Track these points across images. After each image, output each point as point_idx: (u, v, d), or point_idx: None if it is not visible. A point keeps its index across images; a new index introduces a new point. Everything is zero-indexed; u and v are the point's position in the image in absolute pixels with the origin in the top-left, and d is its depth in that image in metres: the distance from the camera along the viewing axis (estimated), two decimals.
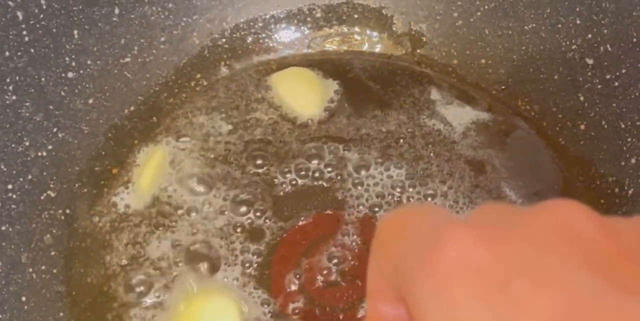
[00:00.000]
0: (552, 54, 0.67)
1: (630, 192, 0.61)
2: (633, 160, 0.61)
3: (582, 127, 0.66)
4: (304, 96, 0.71)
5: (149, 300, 0.61)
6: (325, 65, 0.73)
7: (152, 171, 0.66)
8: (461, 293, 0.25)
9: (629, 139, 0.61)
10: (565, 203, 0.28)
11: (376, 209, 0.64)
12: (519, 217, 0.28)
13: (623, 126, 0.62)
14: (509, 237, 0.27)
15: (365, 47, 0.75)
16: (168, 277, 0.62)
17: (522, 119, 0.70)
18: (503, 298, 0.25)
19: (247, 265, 0.62)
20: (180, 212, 0.65)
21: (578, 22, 0.64)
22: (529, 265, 0.25)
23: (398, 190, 0.65)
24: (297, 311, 0.60)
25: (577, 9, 0.64)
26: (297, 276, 0.62)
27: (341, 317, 0.60)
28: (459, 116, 0.69)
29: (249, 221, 0.64)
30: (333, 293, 0.61)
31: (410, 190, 0.65)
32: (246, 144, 0.68)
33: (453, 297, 0.26)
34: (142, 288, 0.62)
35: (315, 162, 0.67)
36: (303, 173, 0.66)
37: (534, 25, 0.68)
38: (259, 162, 0.67)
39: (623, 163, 0.62)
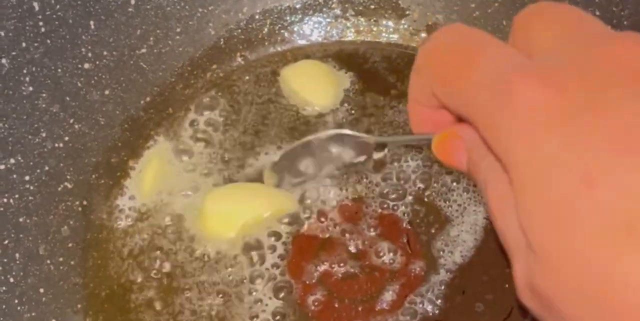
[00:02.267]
0: None
1: None
2: None
3: None
4: (317, 88, 0.70)
5: (168, 291, 0.61)
6: (342, 56, 0.73)
7: (152, 176, 0.66)
8: (534, 127, 0.31)
9: None
10: (631, 37, 0.33)
11: (395, 201, 0.64)
12: (586, 52, 0.33)
13: None
14: (575, 78, 0.32)
15: (382, 38, 0.74)
16: (186, 267, 0.62)
17: None
18: (570, 130, 0.31)
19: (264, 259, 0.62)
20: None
21: (597, 13, 0.64)
22: (595, 102, 0.31)
23: (417, 181, 0.65)
24: (316, 303, 0.60)
25: (597, 0, 0.63)
26: (316, 268, 0.62)
27: (360, 309, 0.60)
28: None
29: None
30: (351, 286, 0.61)
31: (428, 181, 0.65)
32: (260, 134, 0.68)
33: (530, 127, 0.32)
34: (160, 278, 0.62)
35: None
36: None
37: None
38: (272, 151, 0.67)
39: None
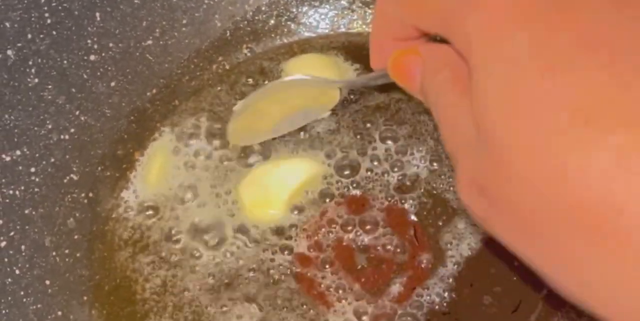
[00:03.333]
0: None
1: None
2: None
3: None
4: None
5: (175, 283, 0.61)
6: (349, 48, 0.72)
7: (158, 167, 0.66)
8: (501, 22, 0.33)
9: None
10: None
11: (401, 193, 0.64)
12: None
13: None
14: None
15: None
16: (192, 261, 0.62)
17: None
18: (537, 25, 0.32)
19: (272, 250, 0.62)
20: (214, 192, 0.64)
21: None
22: (564, 2, 0.32)
23: (424, 173, 0.65)
24: (321, 294, 0.60)
25: None
26: (322, 260, 0.61)
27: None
28: None
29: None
30: (358, 278, 0.61)
31: (435, 173, 0.65)
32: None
33: (496, 24, 0.33)
34: (167, 270, 0.62)
35: (336, 145, 0.66)
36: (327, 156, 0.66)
37: None
38: (279, 144, 0.66)
39: None
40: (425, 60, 0.41)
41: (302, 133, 0.67)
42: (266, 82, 0.70)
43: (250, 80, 0.71)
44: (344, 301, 0.60)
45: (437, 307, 0.59)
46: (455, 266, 0.61)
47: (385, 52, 0.46)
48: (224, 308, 0.60)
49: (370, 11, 0.74)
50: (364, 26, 0.74)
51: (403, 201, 0.64)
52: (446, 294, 0.60)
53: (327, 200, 0.64)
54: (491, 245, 0.62)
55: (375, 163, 0.65)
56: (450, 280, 0.60)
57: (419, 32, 0.43)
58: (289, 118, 0.64)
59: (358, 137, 0.67)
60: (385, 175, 0.65)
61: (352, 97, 0.69)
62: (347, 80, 0.65)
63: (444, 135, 0.38)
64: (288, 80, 0.61)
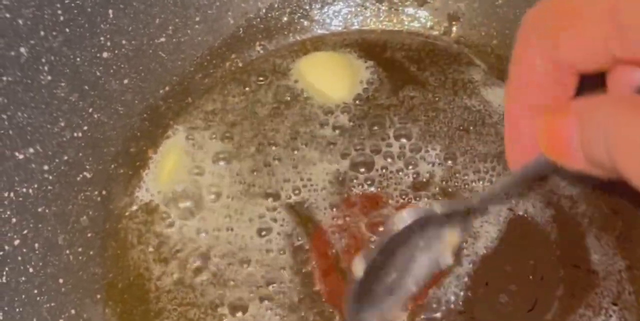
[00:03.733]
0: None
1: None
2: None
3: None
4: (332, 80, 0.70)
5: (187, 281, 0.61)
6: (362, 45, 0.72)
7: (171, 165, 0.66)
8: None
9: None
10: None
11: (417, 191, 0.63)
12: None
13: None
14: None
15: (403, 27, 0.73)
16: (204, 258, 0.62)
17: None
18: None
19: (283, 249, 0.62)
20: (213, 190, 0.64)
21: None
22: None
23: (438, 171, 0.64)
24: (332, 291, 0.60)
25: None
26: (336, 257, 0.61)
27: None
28: (499, 96, 0.68)
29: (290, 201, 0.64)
30: None
31: (451, 171, 0.64)
32: (279, 124, 0.67)
33: None
34: (180, 267, 0.61)
35: (350, 143, 0.66)
36: (339, 155, 0.66)
37: None
38: (295, 146, 0.66)
39: None
40: (582, 116, 0.37)
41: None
42: (278, 82, 0.70)
43: (263, 78, 0.70)
44: None
45: (452, 306, 0.59)
46: (471, 265, 0.60)
47: (523, 132, 0.42)
48: (238, 303, 0.60)
49: (383, 8, 0.74)
50: (377, 23, 0.74)
51: (417, 199, 0.63)
52: (462, 293, 0.59)
53: (342, 197, 0.64)
54: (507, 243, 0.61)
55: (389, 160, 0.65)
56: (466, 278, 0.60)
57: (574, 74, 0.40)
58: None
59: (372, 135, 0.66)
60: (400, 172, 0.64)
61: (361, 95, 0.68)
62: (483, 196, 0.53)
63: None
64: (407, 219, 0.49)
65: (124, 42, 0.65)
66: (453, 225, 0.51)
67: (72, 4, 0.60)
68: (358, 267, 0.48)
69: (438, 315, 0.59)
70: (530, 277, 0.60)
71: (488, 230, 0.62)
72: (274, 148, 0.66)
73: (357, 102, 0.68)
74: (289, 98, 0.69)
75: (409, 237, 0.49)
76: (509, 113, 0.45)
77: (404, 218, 0.47)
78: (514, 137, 0.45)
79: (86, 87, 0.62)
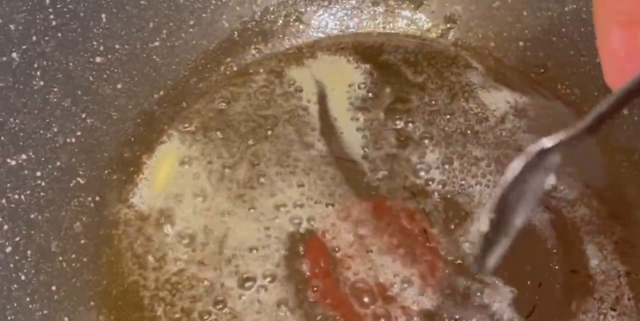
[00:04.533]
0: (593, 36, 0.64)
1: None
2: None
3: (625, 111, 0.64)
4: (329, 83, 0.69)
5: (182, 288, 0.61)
6: (358, 48, 0.72)
7: (165, 171, 0.66)
8: None
9: None
10: None
11: (414, 196, 0.63)
12: None
13: None
14: None
15: (399, 30, 0.73)
16: (199, 265, 0.61)
17: (562, 103, 0.68)
18: None
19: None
20: (208, 196, 0.64)
21: None
22: None
23: (435, 174, 0.64)
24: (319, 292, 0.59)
25: None
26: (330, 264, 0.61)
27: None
28: (497, 100, 0.68)
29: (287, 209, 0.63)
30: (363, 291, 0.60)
31: (449, 174, 0.64)
32: (275, 128, 0.67)
33: None
34: (175, 274, 0.61)
35: (348, 147, 0.66)
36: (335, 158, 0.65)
37: (574, 6, 0.66)
38: (292, 153, 0.66)
39: None
40: None
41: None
42: (273, 86, 0.69)
43: (258, 82, 0.70)
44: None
45: (451, 311, 0.59)
46: (469, 271, 0.60)
47: (616, 45, 0.37)
48: (232, 313, 0.59)
49: (379, 11, 0.73)
50: (373, 26, 0.73)
51: (416, 204, 0.63)
52: (459, 298, 0.59)
53: (345, 201, 0.63)
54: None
55: (387, 166, 0.65)
56: (465, 285, 0.60)
57: None
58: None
59: (368, 139, 0.66)
60: (397, 176, 0.64)
61: (357, 99, 0.68)
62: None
63: None
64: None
65: (117, 46, 0.65)
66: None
67: (65, 9, 0.60)
68: (483, 222, 0.49)
69: (435, 311, 0.58)
70: (528, 283, 0.60)
71: None
72: (272, 150, 0.66)
73: (353, 105, 0.68)
74: (285, 102, 0.68)
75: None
76: (598, 23, 0.39)
77: (514, 169, 0.47)
78: (606, 51, 0.39)
79: (79, 92, 0.62)
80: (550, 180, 0.50)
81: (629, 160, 0.64)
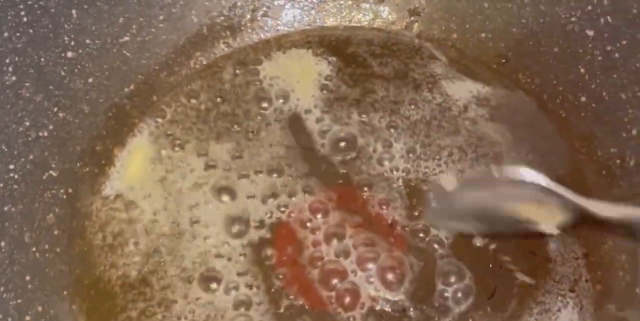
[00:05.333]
0: (552, 27, 0.67)
1: (631, 162, 0.61)
2: (634, 131, 0.60)
3: (583, 99, 0.65)
4: (297, 77, 0.71)
5: (153, 277, 0.62)
6: (325, 42, 0.73)
7: (137, 163, 0.67)
8: None
9: (630, 110, 0.61)
10: None
11: (380, 184, 0.65)
12: None
13: (624, 97, 0.61)
14: None
15: (364, 23, 0.74)
16: (171, 254, 0.62)
17: (523, 92, 0.69)
18: None
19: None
20: (178, 186, 0.65)
21: None
22: None
23: (400, 163, 0.65)
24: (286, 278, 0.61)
25: None
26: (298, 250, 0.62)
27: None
28: (460, 90, 0.69)
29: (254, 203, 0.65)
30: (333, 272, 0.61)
31: (413, 163, 0.65)
32: (245, 120, 0.68)
33: None
34: (147, 265, 0.62)
35: (313, 137, 0.67)
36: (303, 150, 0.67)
37: None
38: (261, 143, 0.67)
39: (624, 135, 0.61)
40: None
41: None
42: (242, 80, 0.71)
43: (229, 76, 0.71)
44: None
45: (414, 291, 0.60)
46: (433, 253, 0.62)
47: None
48: (199, 301, 0.60)
49: (345, 5, 0.75)
50: (339, 20, 0.75)
51: (381, 191, 0.64)
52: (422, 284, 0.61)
53: (312, 190, 0.65)
54: (466, 234, 0.62)
55: (352, 153, 0.66)
56: (428, 269, 0.61)
57: None
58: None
59: (335, 129, 0.67)
60: (363, 165, 0.65)
61: (324, 92, 0.69)
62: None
63: None
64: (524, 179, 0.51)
65: (88, 41, 0.66)
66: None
67: (36, 5, 0.60)
68: (450, 181, 0.54)
69: (400, 297, 0.60)
70: (490, 265, 0.61)
71: None
72: (240, 143, 0.67)
73: (320, 97, 0.69)
74: (253, 95, 0.69)
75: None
76: None
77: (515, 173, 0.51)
78: None
79: (51, 87, 0.63)
80: (550, 229, 0.52)
81: (587, 146, 0.65)
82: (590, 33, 0.63)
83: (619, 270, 0.60)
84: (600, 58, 0.63)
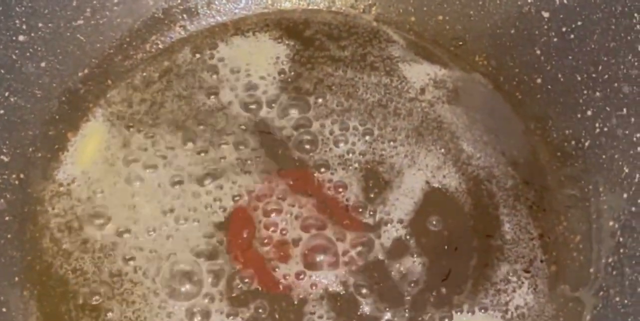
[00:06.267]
0: (508, 9, 0.67)
1: (586, 144, 0.61)
2: (589, 113, 0.60)
3: (539, 80, 0.65)
4: (254, 59, 0.70)
5: (104, 262, 0.61)
6: (283, 24, 0.72)
7: (90, 148, 0.66)
8: None
9: (585, 91, 0.61)
10: None
11: (334, 167, 0.64)
12: None
13: (579, 78, 0.61)
14: None
15: (322, 6, 0.74)
16: (121, 238, 0.62)
17: (479, 74, 0.69)
18: None
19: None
20: (132, 170, 0.64)
21: None
22: None
23: (357, 145, 0.65)
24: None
25: None
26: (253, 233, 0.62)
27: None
28: (417, 72, 0.69)
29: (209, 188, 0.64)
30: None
31: (369, 145, 0.65)
32: (201, 103, 0.68)
33: None
34: (98, 249, 0.62)
35: (269, 120, 0.67)
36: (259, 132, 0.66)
37: None
38: (216, 127, 0.66)
39: (579, 116, 0.61)
40: None
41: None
42: (199, 64, 0.70)
43: (185, 60, 0.70)
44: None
45: (368, 273, 0.60)
46: (387, 236, 0.61)
47: None
48: (154, 285, 0.60)
49: None
50: (297, 3, 0.74)
51: (337, 174, 0.64)
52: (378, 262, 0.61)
53: (268, 173, 0.64)
54: (422, 215, 0.62)
55: (309, 137, 0.66)
56: (382, 248, 0.61)
57: None
58: None
59: (292, 112, 0.67)
60: (319, 148, 0.65)
61: (281, 75, 0.69)
62: None
63: None
64: None
65: (40, 24, 0.65)
66: None
67: None
68: None
69: (354, 279, 0.60)
70: (445, 247, 0.61)
71: (404, 202, 0.63)
72: (195, 127, 0.66)
73: (277, 80, 0.68)
74: (210, 79, 0.69)
75: None
76: None
77: None
78: None
79: (2, 71, 0.62)
80: None
81: (542, 127, 0.65)
82: (546, 14, 0.63)
83: (574, 250, 0.61)
84: (555, 39, 0.63)
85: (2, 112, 0.62)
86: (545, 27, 0.64)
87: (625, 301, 0.53)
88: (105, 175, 0.64)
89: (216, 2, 0.73)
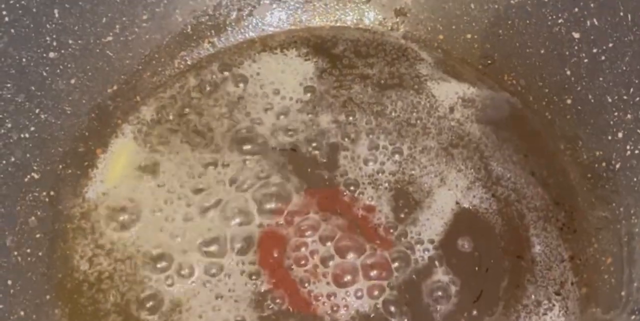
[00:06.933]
0: (538, 28, 0.67)
1: (617, 166, 0.61)
2: (620, 135, 0.60)
3: (569, 101, 0.65)
4: (282, 76, 0.70)
5: (137, 280, 0.61)
6: (310, 42, 0.72)
7: (120, 165, 0.66)
8: None
9: (616, 113, 0.61)
10: None
11: (366, 186, 0.64)
12: None
13: (610, 100, 0.61)
14: None
15: (350, 23, 0.74)
16: (152, 257, 0.62)
17: (508, 94, 0.69)
18: None
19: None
20: (162, 189, 0.64)
21: None
22: None
23: (387, 165, 0.65)
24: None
25: None
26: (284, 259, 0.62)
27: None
28: (446, 91, 0.69)
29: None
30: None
31: (399, 164, 0.65)
32: (229, 119, 0.68)
33: None
34: (128, 268, 0.62)
35: (298, 138, 0.67)
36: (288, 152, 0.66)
37: None
38: (245, 145, 0.67)
39: (610, 138, 0.61)
40: None
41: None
42: (227, 80, 0.70)
43: (213, 76, 0.70)
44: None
45: (398, 295, 0.60)
46: (418, 257, 0.61)
47: None
48: (187, 305, 0.60)
49: (331, 4, 0.74)
50: (325, 20, 0.74)
51: (367, 194, 0.64)
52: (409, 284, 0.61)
53: (297, 192, 0.64)
54: (452, 235, 0.62)
55: (339, 155, 0.66)
56: (414, 272, 0.61)
57: None
58: None
59: (321, 130, 0.67)
60: (348, 167, 0.65)
61: (309, 92, 0.69)
62: None
63: None
64: None
65: (70, 41, 0.65)
66: None
67: (17, 4, 0.60)
68: None
69: (385, 300, 0.60)
70: (476, 269, 0.61)
71: (434, 222, 0.63)
72: (224, 144, 0.66)
73: (305, 98, 0.69)
74: (238, 95, 0.69)
75: None
76: None
77: None
78: None
79: (32, 88, 0.62)
80: None
81: (572, 148, 0.65)
82: (577, 35, 0.63)
83: (605, 273, 0.61)
84: (586, 60, 0.63)
85: (33, 129, 0.62)
86: (576, 47, 0.64)
87: None
88: (134, 192, 0.64)
89: (245, 19, 0.73)
